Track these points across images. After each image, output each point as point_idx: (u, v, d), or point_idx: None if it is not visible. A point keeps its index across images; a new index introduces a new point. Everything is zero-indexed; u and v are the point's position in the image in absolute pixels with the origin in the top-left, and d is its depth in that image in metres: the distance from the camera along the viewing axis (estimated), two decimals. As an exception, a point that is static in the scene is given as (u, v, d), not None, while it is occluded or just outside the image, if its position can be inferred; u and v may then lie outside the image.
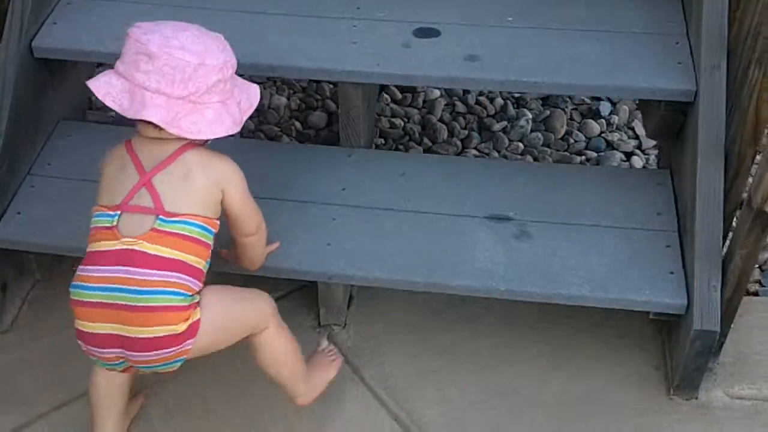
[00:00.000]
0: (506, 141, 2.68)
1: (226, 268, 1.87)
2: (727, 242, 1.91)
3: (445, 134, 2.69)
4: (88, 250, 1.66)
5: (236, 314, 1.73)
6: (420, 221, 1.99)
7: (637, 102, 2.75)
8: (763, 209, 1.75)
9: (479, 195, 2.05)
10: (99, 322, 1.61)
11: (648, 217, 2.01)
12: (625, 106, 2.82)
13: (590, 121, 2.77)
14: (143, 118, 1.61)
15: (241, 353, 1.78)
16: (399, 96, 2.79)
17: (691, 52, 2.00)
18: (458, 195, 2.05)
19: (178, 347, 1.61)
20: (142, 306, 1.59)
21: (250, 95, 1.76)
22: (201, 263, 1.66)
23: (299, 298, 2.12)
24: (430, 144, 2.66)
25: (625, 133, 2.78)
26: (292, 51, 2.01)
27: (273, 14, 2.02)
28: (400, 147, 2.65)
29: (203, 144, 1.71)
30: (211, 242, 1.69)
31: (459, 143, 2.68)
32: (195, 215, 1.65)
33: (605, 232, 1.98)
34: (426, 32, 2.06)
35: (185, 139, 1.66)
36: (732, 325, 1.96)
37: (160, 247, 1.61)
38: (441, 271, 1.90)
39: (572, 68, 1.98)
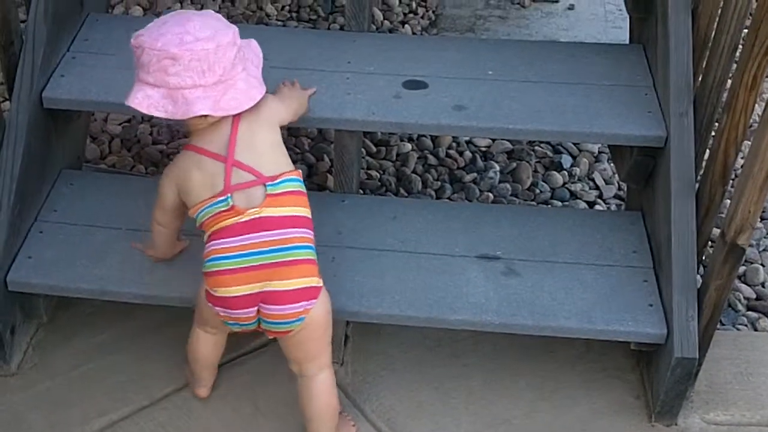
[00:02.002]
0: (477, 191, 2.80)
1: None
2: (698, 276, 2.03)
3: (419, 185, 2.80)
4: (214, 229, 1.73)
5: (330, 325, 1.82)
6: (415, 261, 2.09)
7: (608, 147, 2.90)
8: (736, 242, 1.88)
9: (468, 236, 2.15)
10: (243, 285, 1.69)
11: (624, 255, 2.13)
12: (585, 159, 2.98)
13: (554, 172, 2.90)
14: (193, 115, 1.70)
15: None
16: (374, 149, 2.90)
17: (659, 102, 2.14)
18: (448, 236, 2.15)
19: (308, 302, 1.71)
20: (285, 261, 1.70)
21: (255, 50, 1.88)
22: (309, 213, 1.79)
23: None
24: (406, 194, 2.77)
25: (587, 184, 2.93)
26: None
27: (274, 67, 2.12)
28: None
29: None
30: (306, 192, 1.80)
31: (433, 193, 2.79)
32: (288, 172, 1.77)
33: (586, 269, 2.10)
34: (414, 84, 2.18)
35: None
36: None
37: (281, 207, 1.72)
38: (438, 307, 1.99)
39: (552, 117, 2.11)
